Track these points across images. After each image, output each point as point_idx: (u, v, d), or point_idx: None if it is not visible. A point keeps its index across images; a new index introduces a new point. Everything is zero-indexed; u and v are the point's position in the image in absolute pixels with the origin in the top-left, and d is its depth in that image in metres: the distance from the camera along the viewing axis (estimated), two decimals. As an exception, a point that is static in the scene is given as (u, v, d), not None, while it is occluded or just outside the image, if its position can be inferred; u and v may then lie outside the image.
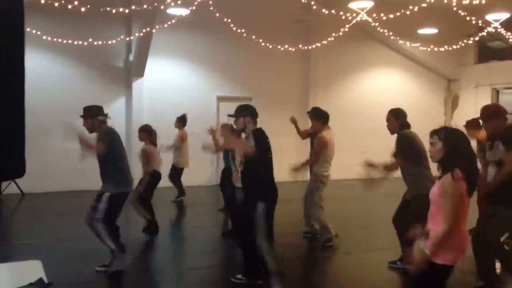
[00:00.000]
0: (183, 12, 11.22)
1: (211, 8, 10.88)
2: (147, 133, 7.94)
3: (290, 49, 12.89)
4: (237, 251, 5.67)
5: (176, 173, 10.61)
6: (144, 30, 11.37)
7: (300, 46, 13.17)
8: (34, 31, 10.16)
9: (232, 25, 11.66)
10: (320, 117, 7.44)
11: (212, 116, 13.51)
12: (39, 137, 11.03)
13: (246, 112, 5.31)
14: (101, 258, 5.92)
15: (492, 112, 5.11)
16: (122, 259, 5.68)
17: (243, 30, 11.92)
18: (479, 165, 5.20)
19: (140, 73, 12.63)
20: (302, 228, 7.82)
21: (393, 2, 12.42)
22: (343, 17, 11.80)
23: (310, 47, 13.41)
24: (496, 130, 5.05)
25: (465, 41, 13.53)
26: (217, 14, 11.11)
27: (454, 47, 13.60)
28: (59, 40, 11.07)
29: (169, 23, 11.38)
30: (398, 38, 13.68)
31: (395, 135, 5.86)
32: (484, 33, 13.08)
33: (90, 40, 11.07)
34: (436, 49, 13.69)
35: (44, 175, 10.90)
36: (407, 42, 14.13)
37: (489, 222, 4.86)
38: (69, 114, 10.16)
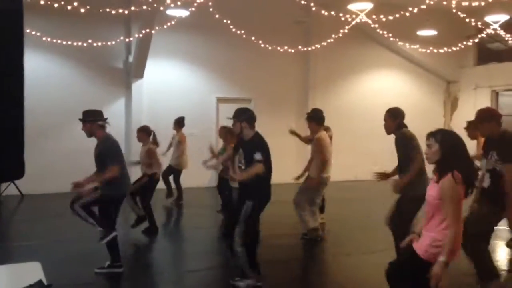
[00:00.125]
0: (183, 13, 11.22)
1: (211, 9, 10.89)
2: (146, 133, 7.98)
3: (289, 50, 12.89)
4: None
5: (175, 174, 10.61)
6: (143, 31, 11.37)
7: (300, 47, 13.17)
8: (33, 32, 10.15)
9: (231, 26, 11.67)
10: (313, 118, 7.51)
11: (211, 118, 13.53)
12: (38, 138, 11.03)
13: (243, 117, 5.35)
14: (100, 259, 5.91)
15: (487, 115, 5.13)
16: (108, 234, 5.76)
17: (242, 31, 11.92)
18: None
19: (139, 74, 12.63)
20: (300, 230, 7.80)
21: (392, 3, 12.43)
22: (343, 19, 11.81)
23: (309, 49, 13.42)
24: (491, 134, 5.07)
25: (464, 42, 13.54)
26: (217, 16, 11.11)
27: (454, 48, 13.62)
28: (59, 41, 11.08)
29: (169, 24, 11.38)
30: (397, 39, 13.69)
31: (394, 136, 5.87)
32: (484, 35, 13.09)
33: (90, 41, 11.07)
34: (435, 50, 13.69)
35: (43, 176, 10.89)
36: (407, 44, 14.14)
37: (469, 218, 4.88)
38: (69, 115, 10.19)
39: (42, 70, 11.63)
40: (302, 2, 11.17)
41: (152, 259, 7.13)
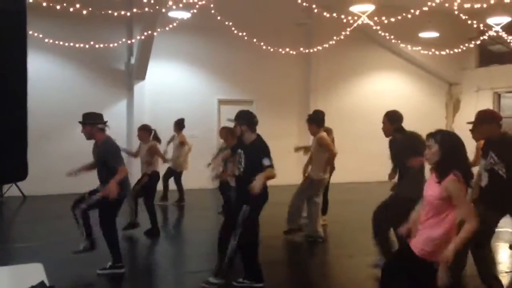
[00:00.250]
0: (185, 15, 11.23)
1: (212, 11, 10.91)
2: (147, 131, 8.03)
3: (291, 52, 12.89)
4: (238, 254, 5.65)
5: (175, 176, 10.60)
6: (145, 33, 11.38)
7: (301, 49, 13.17)
8: (36, 34, 10.18)
9: (233, 28, 11.68)
10: (313, 120, 7.57)
11: (212, 119, 13.53)
12: (40, 140, 11.04)
13: (243, 120, 5.36)
14: (102, 260, 5.90)
15: (487, 117, 5.13)
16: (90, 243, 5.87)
17: (244, 33, 11.93)
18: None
19: (141, 76, 12.64)
20: (305, 231, 7.80)
21: (394, 5, 12.44)
22: (344, 21, 11.81)
23: (311, 50, 13.42)
24: (491, 136, 5.06)
25: (466, 44, 13.54)
26: (218, 17, 11.13)
27: (456, 50, 13.61)
28: (61, 42, 11.10)
29: (171, 26, 11.40)
30: (399, 41, 13.69)
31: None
32: (485, 37, 13.07)
33: (92, 42, 11.08)
34: (437, 52, 13.68)
35: (45, 177, 10.88)
36: (408, 46, 14.13)
37: None
38: (70, 116, 10.19)
39: (44, 71, 11.63)
40: (304, 4, 11.18)
41: (153, 260, 7.12)
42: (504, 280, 5.47)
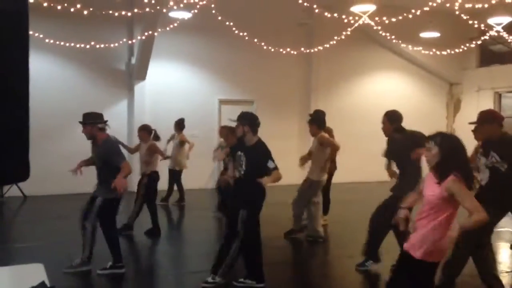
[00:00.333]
0: (185, 15, 11.23)
1: (213, 11, 10.90)
2: (147, 132, 8.03)
3: (292, 52, 12.88)
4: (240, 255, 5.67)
5: (176, 175, 10.59)
6: (146, 33, 11.38)
7: (302, 49, 13.17)
8: (36, 34, 10.17)
9: (234, 28, 11.67)
10: (314, 121, 7.59)
11: (213, 119, 13.53)
12: (41, 140, 11.03)
13: (245, 121, 5.36)
14: (102, 260, 5.90)
15: (489, 117, 5.13)
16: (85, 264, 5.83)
17: (245, 33, 11.93)
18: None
19: (142, 76, 12.64)
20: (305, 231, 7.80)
21: (395, 5, 12.43)
22: (345, 21, 11.80)
23: (312, 50, 13.42)
24: (491, 136, 5.06)
25: (467, 44, 13.53)
26: (219, 18, 11.12)
27: (456, 50, 13.60)
28: (62, 43, 11.10)
29: (171, 26, 11.39)
30: (400, 41, 13.68)
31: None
32: (486, 37, 13.06)
33: (93, 43, 11.09)
34: (438, 52, 13.67)
35: (46, 178, 10.88)
36: (409, 46, 14.12)
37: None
38: (71, 116, 10.19)
39: (45, 72, 11.64)
40: (305, 4, 11.17)
41: (154, 260, 7.13)
42: (505, 280, 5.46)
